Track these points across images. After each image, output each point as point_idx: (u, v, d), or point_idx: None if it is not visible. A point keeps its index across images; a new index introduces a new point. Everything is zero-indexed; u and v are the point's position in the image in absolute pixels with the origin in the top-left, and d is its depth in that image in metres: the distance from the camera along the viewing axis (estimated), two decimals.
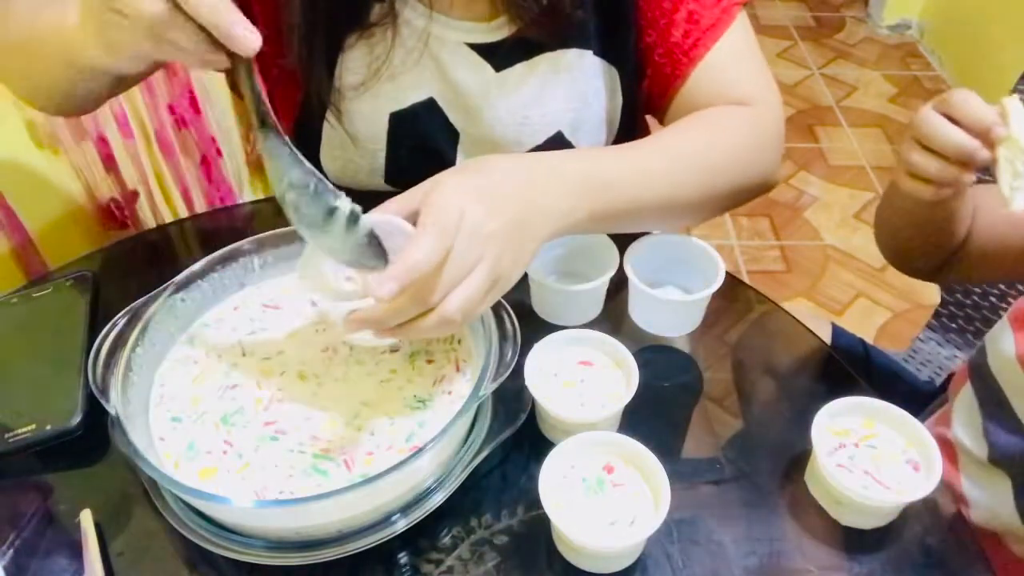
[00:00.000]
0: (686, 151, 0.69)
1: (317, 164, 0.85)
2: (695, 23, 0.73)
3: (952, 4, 2.74)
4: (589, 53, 0.78)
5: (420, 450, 0.52)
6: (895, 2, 2.94)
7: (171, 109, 1.31)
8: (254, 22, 0.82)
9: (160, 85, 1.25)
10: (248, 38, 0.48)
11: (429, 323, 0.53)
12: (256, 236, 0.68)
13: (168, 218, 1.35)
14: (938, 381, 1.02)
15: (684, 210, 0.70)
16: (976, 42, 2.57)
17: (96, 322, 0.71)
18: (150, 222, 1.29)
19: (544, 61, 0.77)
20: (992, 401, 0.67)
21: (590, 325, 0.68)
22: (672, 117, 0.78)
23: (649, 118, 0.88)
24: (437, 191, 0.54)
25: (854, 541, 0.58)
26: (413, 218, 0.54)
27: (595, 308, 0.72)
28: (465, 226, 0.52)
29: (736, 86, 0.74)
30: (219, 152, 1.44)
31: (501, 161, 0.60)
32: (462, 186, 0.55)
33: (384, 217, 0.55)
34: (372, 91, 0.78)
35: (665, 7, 0.74)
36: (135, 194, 1.25)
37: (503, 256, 0.55)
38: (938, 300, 1.09)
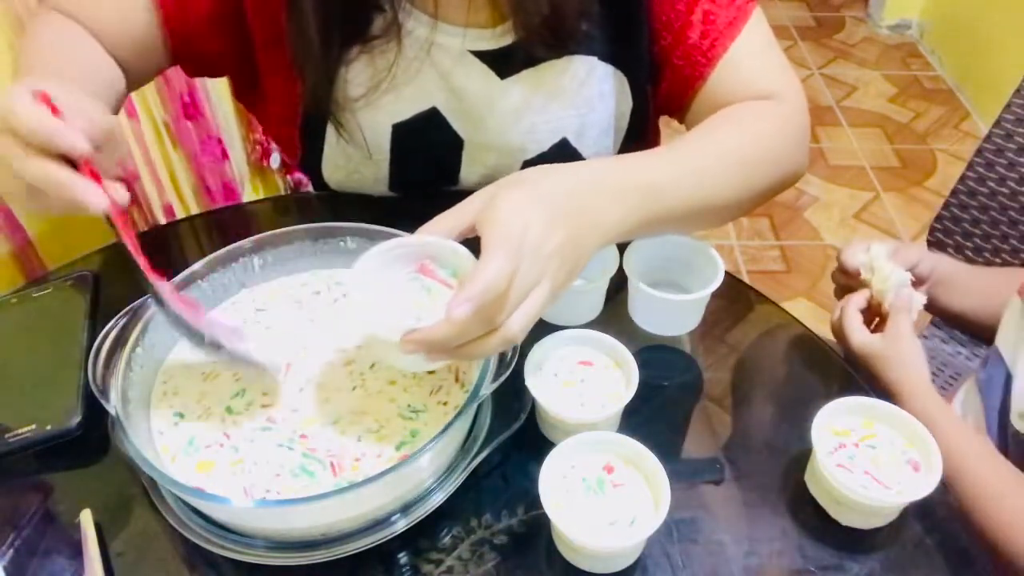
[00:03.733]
0: (723, 149, 0.69)
1: (320, 175, 0.85)
2: (711, 23, 0.73)
3: (952, 4, 2.74)
4: (595, 59, 0.77)
5: (409, 458, 0.52)
6: (895, 2, 2.94)
7: (181, 98, 1.31)
8: (251, 34, 0.83)
9: (173, 74, 1.25)
10: (94, 203, 0.52)
11: (492, 344, 0.51)
12: (256, 236, 0.68)
13: (174, 202, 1.35)
14: (940, 379, 1.03)
15: (725, 209, 0.70)
16: (976, 42, 2.57)
17: (96, 322, 0.71)
18: (155, 201, 1.29)
19: (549, 68, 0.77)
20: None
21: (590, 325, 0.68)
22: (694, 118, 0.78)
23: (662, 121, 0.88)
24: (496, 208, 0.53)
25: (854, 541, 0.58)
26: (463, 236, 0.54)
27: (595, 308, 0.72)
28: (528, 245, 0.51)
29: (757, 82, 0.74)
30: (225, 153, 1.44)
31: (552, 174, 0.59)
32: (520, 202, 0.54)
33: (434, 240, 0.55)
34: (373, 103, 0.78)
35: (680, 9, 0.74)
36: (136, 175, 1.24)
37: (560, 272, 0.54)
38: None
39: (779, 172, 0.72)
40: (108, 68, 0.75)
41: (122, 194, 0.54)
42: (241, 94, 0.89)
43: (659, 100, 0.82)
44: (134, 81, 0.80)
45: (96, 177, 0.53)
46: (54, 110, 0.52)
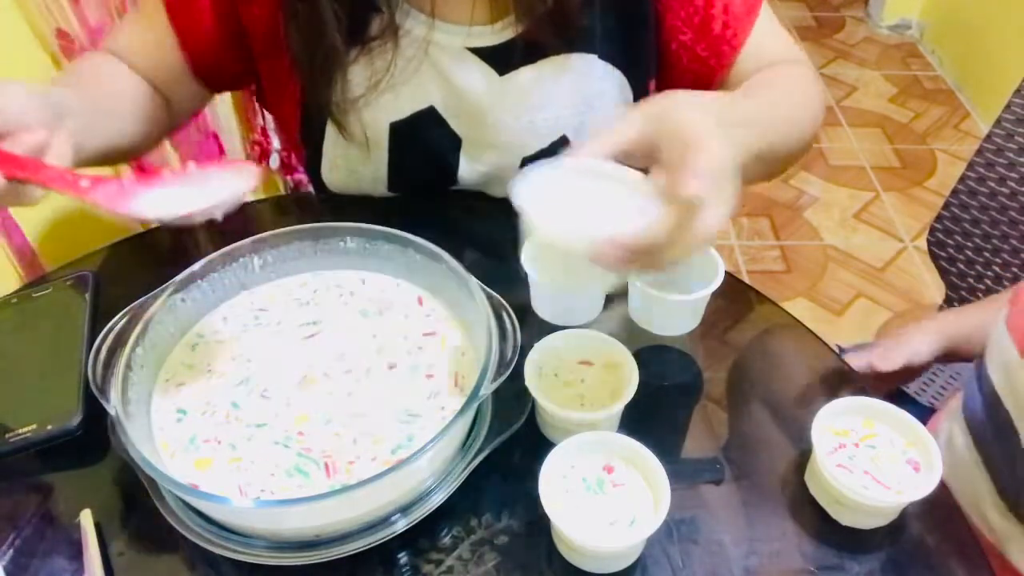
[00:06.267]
0: (790, 100, 0.73)
1: (318, 176, 0.85)
2: (731, 14, 0.76)
3: (952, 4, 2.74)
4: (594, 56, 0.78)
5: (403, 462, 0.52)
6: (895, 2, 2.94)
7: None
8: (250, 39, 0.83)
9: None
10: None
11: (699, 236, 0.48)
12: (256, 236, 0.68)
13: None
14: (940, 379, 1.03)
15: (789, 156, 0.72)
16: (976, 42, 2.57)
17: (96, 322, 0.71)
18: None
19: (549, 64, 0.77)
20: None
21: (590, 325, 0.68)
22: None
23: None
24: (685, 119, 0.50)
25: (854, 541, 0.58)
26: (631, 156, 0.51)
27: (595, 308, 0.72)
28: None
29: (778, 58, 0.78)
30: (222, 149, 1.44)
31: (700, 96, 0.57)
32: (704, 121, 0.51)
33: (603, 163, 0.51)
34: (372, 102, 0.78)
35: (698, 4, 0.76)
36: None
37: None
38: (939, 299, 1.09)
39: (815, 128, 0.75)
40: (138, 95, 0.78)
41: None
42: (260, 99, 0.91)
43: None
44: (179, 113, 0.84)
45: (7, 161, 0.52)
46: None
